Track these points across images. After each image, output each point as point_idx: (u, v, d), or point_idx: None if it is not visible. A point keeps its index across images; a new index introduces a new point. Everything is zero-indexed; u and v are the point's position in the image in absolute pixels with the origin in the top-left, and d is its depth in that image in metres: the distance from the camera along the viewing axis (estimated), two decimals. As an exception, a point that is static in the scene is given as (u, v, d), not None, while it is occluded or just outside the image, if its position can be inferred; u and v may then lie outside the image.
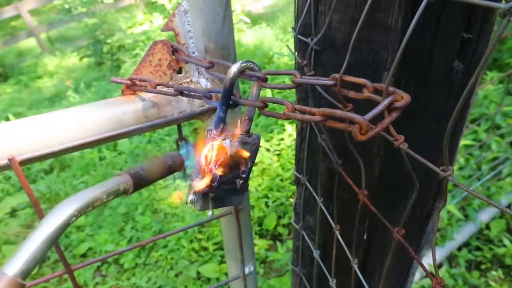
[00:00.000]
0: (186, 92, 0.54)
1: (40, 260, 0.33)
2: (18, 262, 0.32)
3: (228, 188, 0.51)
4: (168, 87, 0.56)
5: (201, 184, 0.49)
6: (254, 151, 0.51)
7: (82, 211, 0.35)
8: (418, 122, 0.60)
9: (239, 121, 0.50)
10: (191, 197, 0.51)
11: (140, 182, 0.41)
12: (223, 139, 0.49)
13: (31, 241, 0.33)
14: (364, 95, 0.39)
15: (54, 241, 0.34)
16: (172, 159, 0.46)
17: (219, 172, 0.49)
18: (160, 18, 6.95)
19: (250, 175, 0.54)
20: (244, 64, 0.46)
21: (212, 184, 0.50)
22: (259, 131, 3.22)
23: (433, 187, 0.71)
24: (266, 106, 0.47)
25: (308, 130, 0.75)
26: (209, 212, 0.53)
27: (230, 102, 0.49)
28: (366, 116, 0.34)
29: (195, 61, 0.57)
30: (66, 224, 0.34)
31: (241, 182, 0.52)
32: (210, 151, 0.49)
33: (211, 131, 0.49)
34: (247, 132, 0.50)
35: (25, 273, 0.32)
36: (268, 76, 0.47)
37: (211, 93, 0.54)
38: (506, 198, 2.15)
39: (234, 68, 0.46)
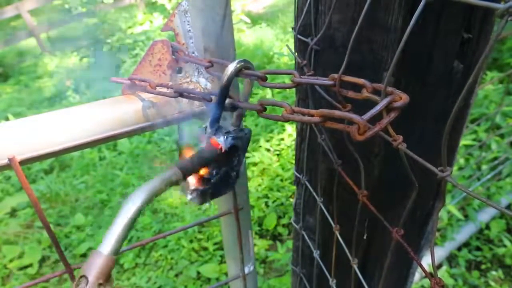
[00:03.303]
0: (185, 93, 0.55)
1: (123, 240, 0.41)
2: (110, 243, 0.39)
3: (224, 180, 0.54)
4: (168, 88, 0.56)
5: (194, 182, 0.52)
6: (246, 144, 0.54)
7: (149, 201, 0.43)
8: (418, 122, 0.60)
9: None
10: (189, 196, 0.53)
11: (187, 173, 0.47)
12: (218, 137, 0.51)
13: (116, 226, 0.41)
14: (363, 95, 0.39)
15: (132, 225, 0.41)
16: (209, 153, 0.51)
17: (215, 168, 0.52)
18: (160, 18, 6.94)
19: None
20: (240, 64, 0.47)
21: (211, 180, 0.52)
22: (259, 131, 3.22)
23: (433, 187, 0.71)
24: (265, 109, 0.47)
25: (308, 130, 0.75)
26: (206, 205, 0.55)
27: (230, 106, 0.50)
28: (364, 116, 0.34)
29: (195, 60, 0.57)
30: (139, 211, 0.42)
31: (234, 173, 0.55)
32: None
33: (206, 128, 0.51)
34: (239, 127, 0.53)
35: (116, 251, 0.40)
36: (268, 76, 0.47)
37: (211, 96, 0.54)
38: (506, 198, 2.15)
39: (231, 68, 0.46)
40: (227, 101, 0.50)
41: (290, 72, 0.45)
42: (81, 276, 0.37)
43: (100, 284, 0.37)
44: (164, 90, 0.56)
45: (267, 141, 3.09)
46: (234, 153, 0.53)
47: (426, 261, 0.87)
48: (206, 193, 0.53)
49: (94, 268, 0.37)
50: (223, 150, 0.51)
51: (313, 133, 0.72)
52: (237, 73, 0.47)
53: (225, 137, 0.51)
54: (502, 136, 2.41)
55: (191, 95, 0.54)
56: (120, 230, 0.40)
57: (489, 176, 2.22)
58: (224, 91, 0.48)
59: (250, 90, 0.52)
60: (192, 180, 0.52)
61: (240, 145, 0.53)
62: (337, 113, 0.37)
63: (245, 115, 0.54)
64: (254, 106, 0.47)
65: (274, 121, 3.27)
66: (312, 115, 0.39)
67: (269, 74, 0.47)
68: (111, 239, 0.39)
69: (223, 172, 0.53)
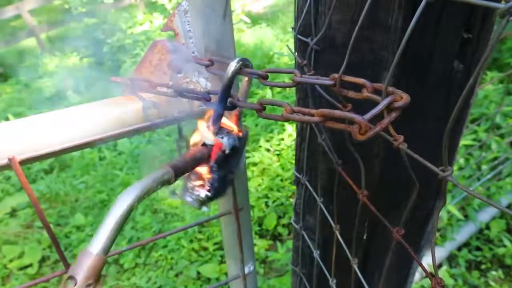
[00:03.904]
0: (185, 93, 0.54)
1: (114, 239, 0.40)
2: (99, 242, 0.38)
3: (222, 183, 0.54)
4: (168, 88, 0.56)
5: (203, 192, 0.51)
6: (244, 145, 0.54)
7: (140, 199, 0.42)
8: (418, 122, 0.60)
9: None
10: (188, 198, 0.52)
11: (178, 172, 0.47)
12: (221, 137, 0.50)
13: (106, 224, 0.40)
14: (364, 95, 0.39)
15: (123, 224, 0.40)
16: (201, 153, 0.51)
17: (215, 172, 0.51)
18: (160, 18, 6.94)
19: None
20: (241, 62, 0.47)
21: (213, 184, 0.52)
22: (259, 131, 3.22)
23: (434, 187, 0.71)
24: (264, 108, 0.46)
25: (308, 130, 0.75)
26: (205, 209, 0.54)
27: (229, 105, 0.50)
28: (365, 116, 0.34)
29: (195, 59, 0.57)
30: (130, 210, 0.41)
31: (231, 175, 0.55)
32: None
33: (208, 125, 0.51)
34: (238, 127, 0.53)
35: (106, 250, 0.39)
36: (268, 75, 0.47)
37: (210, 95, 0.54)
38: (506, 198, 2.15)
39: (233, 65, 0.46)
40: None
41: (291, 71, 0.45)
42: (69, 277, 0.36)
43: (89, 285, 0.36)
44: (164, 90, 0.56)
45: (267, 141, 3.09)
46: (233, 155, 0.53)
47: (426, 261, 0.87)
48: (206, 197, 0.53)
49: (82, 268, 0.36)
50: (226, 152, 0.50)
51: (313, 133, 0.72)
52: (239, 71, 0.47)
53: (228, 138, 0.51)
54: (502, 136, 2.41)
55: (191, 94, 0.54)
56: (110, 228, 0.39)
57: (489, 176, 2.22)
58: (227, 88, 0.48)
59: (249, 89, 0.52)
60: (192, 179, 0.52)
61: (239, 147, 0.53)
62: (337, 113, 0.37)
63: (244, 115, 0.54)
64: (254, 105, 0.47)
65: (274, 121, 3.26)
66: (312, 115, 0.39)
67: (270, 72, 0.47)
68: (100, 238, 0.38)
69: (222, 174, 0.52)
